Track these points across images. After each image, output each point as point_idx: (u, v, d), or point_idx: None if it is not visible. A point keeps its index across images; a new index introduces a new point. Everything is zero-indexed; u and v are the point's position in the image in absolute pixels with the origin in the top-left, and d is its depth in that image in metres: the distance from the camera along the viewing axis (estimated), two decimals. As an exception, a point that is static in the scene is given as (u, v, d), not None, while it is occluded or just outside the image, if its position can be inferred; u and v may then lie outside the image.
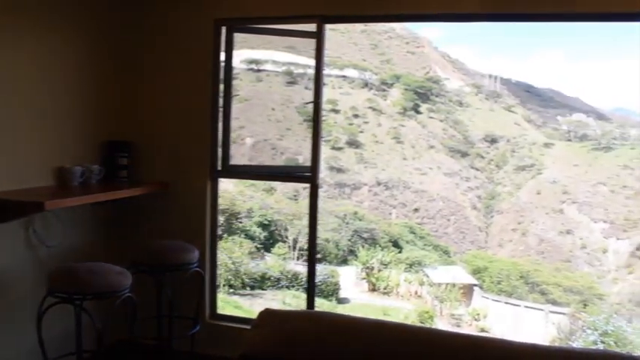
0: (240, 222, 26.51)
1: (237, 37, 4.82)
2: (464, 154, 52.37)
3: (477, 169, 51.60)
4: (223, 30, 4.73)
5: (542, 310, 22.20)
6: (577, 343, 14.93)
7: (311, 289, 4.88)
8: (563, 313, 20.39)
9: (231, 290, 19.43)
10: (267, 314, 2.26)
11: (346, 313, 2.60)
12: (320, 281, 21.60)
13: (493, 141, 53.39)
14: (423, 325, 17.10)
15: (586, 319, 17.50)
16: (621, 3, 3.82)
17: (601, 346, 13.86)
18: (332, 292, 22.45)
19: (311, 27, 4.49)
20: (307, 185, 4.59)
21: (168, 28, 4.83)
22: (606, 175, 44.67)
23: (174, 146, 4.84)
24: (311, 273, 4.85)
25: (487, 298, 25.43)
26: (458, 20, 4.52)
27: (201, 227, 4.83)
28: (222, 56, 4.76)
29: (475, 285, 26.98)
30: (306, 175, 4.65)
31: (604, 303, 29.77)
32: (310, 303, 4.81)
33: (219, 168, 4.84)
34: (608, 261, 39.42)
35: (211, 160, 4.79)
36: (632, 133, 50.19)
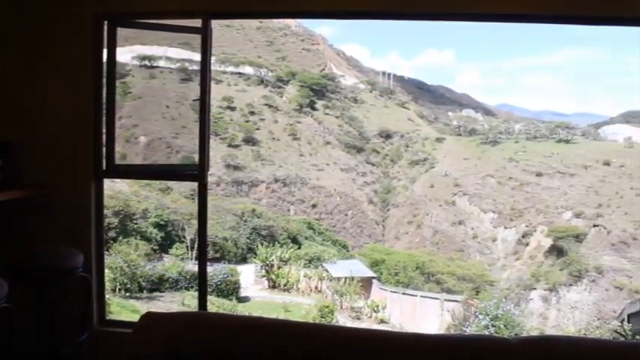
0: (136, 223, 25.80)
1: (129, 32, 4.64)
2: (359, 150, 53.26)
3: (373, 164, 52.64)
4: (105, 25, 4.53)
5: (437, 298, 22.81)
6: (470, 329, 15.45)
7: (203, 289, 4.77)
8: (457, 301, 21.02)
9: (128, 294, 18.83)
10: (149, 318, 2.17)
11: (235, 313, 2.54)
12: (219, 281, 21.33)
13: (388, 136, 54.58)
14: (311, 322, 17.17)
15: (478, 305, 18.10)
16: (507, 5, 3.97)
17: (492, 330, 14.43)
18: (232, 291, 22.18)
19: (197, 22, 4.39)
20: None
21: (47, 22, 4.56)
22: (494, 167, 46.64)
23: (56, 146, 4.56)
24: (202, 273, 4.75)
25: (385, 289, 25.90)
26: (345, 17, 4.53)
27: (86, 230, 4.58)
28: (106, 52, 4.56)
29: (373, 277, 27.40)
30: (194, 173, 4.54)
31: (494, 289, 31.11)
32: (203, 303, 4.69)
33: (104, 168, 4.63)
34: (497, 249, 41.22)
35: (95, 160, 4.57)
36: (516, 127, 52.72)
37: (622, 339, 5.87)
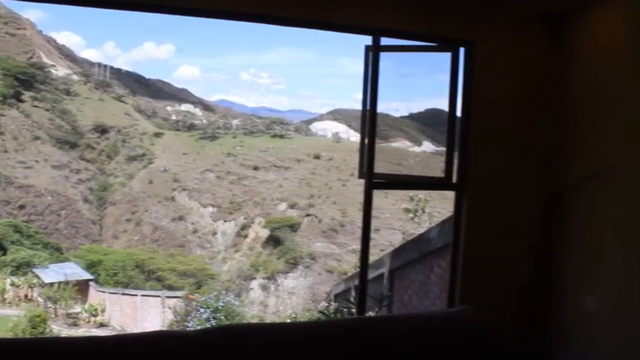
0: None
1: None
2: (73, 146, 50.30)
3: (88, 161, 50.19)
4: None
5: (158, 296, 22.63)
6: (192, 323, 15.58)
7: None
8: (178, 297, 21.05)
9: None
10: None
11: None
12: None
13: (104, 131, 52.44)
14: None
15: (199, 299, 18.34)
16: (221, 1, 3.95)
17: (213, 322, 14.71)
18: None
19: None
20: None
21: None
22: (213, 162, 47.55)
23: None
24: None
25: (104, 291, 25.04)
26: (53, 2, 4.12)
27: None
28: None
29: (91, 280, 26.38)
30: None
31: (216, 282, 31.71)
32: None
33: None
34: (217, 242, 42.14)
35: None
36: (234, 123, 54.43)
37: (325, 318, 6.32)
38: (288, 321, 11.79)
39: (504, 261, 4.78)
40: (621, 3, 3.91)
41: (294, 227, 39.65)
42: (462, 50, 4.60)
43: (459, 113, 4.63)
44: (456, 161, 4.69)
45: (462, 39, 4.56)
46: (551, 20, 4.68)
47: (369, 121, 4.36)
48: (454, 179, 4.72)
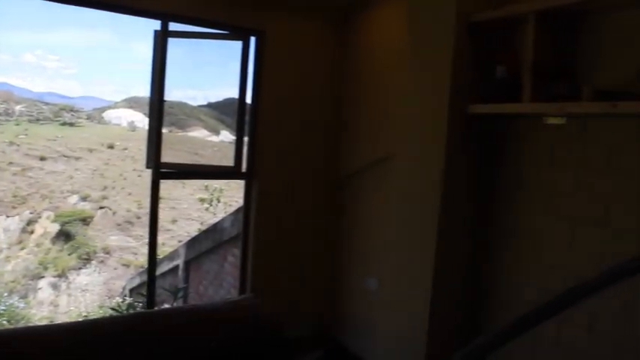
0: None
1: None
2: None
3: None
4: None
5: None
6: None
7: None
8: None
9: None
10: None
11: None
12: None
13: None
14: None
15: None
16: None
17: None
18: None
19: None
20: None
21: None
22: (-8, 152, 44.06)
23: None
24: None
25: None
26: None
27: None
28: None
29: None
30: None
31: (-2, 283, 29.46)
32: None
33: None
34: (-1, 240, 39.11)
35: None
36: (17, 109, 50.46)
37: (116, 314, 6.04)
38: (80, 319, 11.13)
39: (293, 248, 4.94)
40: (399, 1, 4.15)
41: (86, 221, 37.77)
42: (253, 39, 4.63)
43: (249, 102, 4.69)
44: (246, 150, 4.75)
45: (252, 28, 4.61)
46: (339, 16, 4.93)
47: (156, 109, 4.27)
48: (244, 168, 4.78)
